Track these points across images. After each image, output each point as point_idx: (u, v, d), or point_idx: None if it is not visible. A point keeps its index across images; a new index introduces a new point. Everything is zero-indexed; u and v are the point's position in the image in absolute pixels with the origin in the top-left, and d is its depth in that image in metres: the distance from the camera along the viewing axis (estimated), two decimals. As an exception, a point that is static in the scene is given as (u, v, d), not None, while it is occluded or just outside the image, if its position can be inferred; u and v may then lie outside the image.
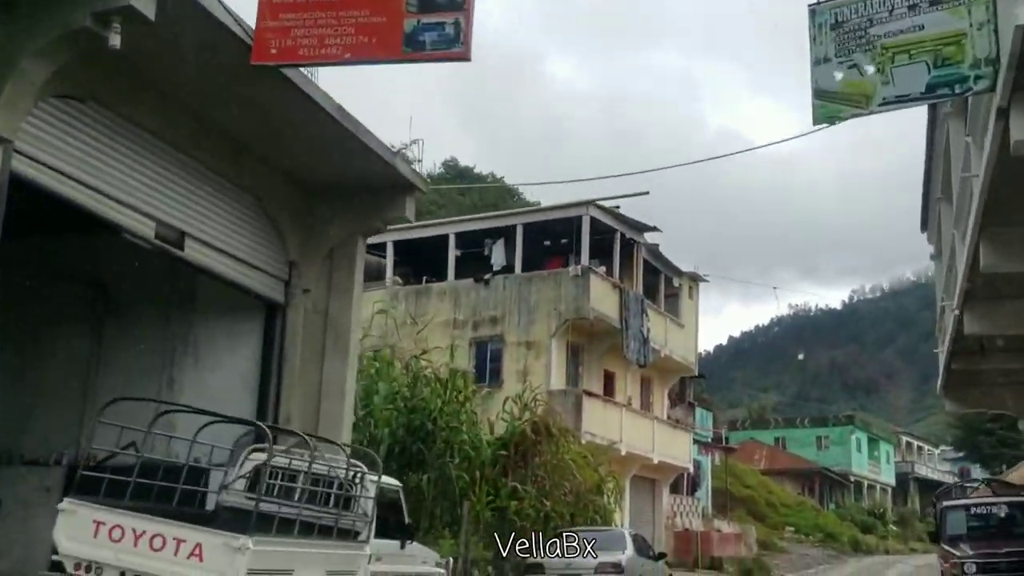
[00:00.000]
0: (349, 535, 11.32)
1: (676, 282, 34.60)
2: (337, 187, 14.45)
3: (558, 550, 19.00)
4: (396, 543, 12.78)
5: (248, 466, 10.74)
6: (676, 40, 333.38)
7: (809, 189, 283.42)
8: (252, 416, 15.30)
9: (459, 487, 19.94)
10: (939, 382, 23.64)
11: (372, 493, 11.68)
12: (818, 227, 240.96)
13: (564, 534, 19.99)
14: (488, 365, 28.75)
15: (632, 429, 30.25)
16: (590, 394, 28.12)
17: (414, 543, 14.19)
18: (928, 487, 74.43)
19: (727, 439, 56.46)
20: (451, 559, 17.93)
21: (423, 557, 13.77)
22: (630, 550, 18.77)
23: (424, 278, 31.10)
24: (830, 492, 60.05)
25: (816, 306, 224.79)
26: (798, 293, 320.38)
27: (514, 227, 29.46)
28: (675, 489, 37.41)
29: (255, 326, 15.70)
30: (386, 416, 19.90)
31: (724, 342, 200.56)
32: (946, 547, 19.17)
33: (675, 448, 33.76)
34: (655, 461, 31.83)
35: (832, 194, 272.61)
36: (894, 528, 57.72)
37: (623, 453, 29.45)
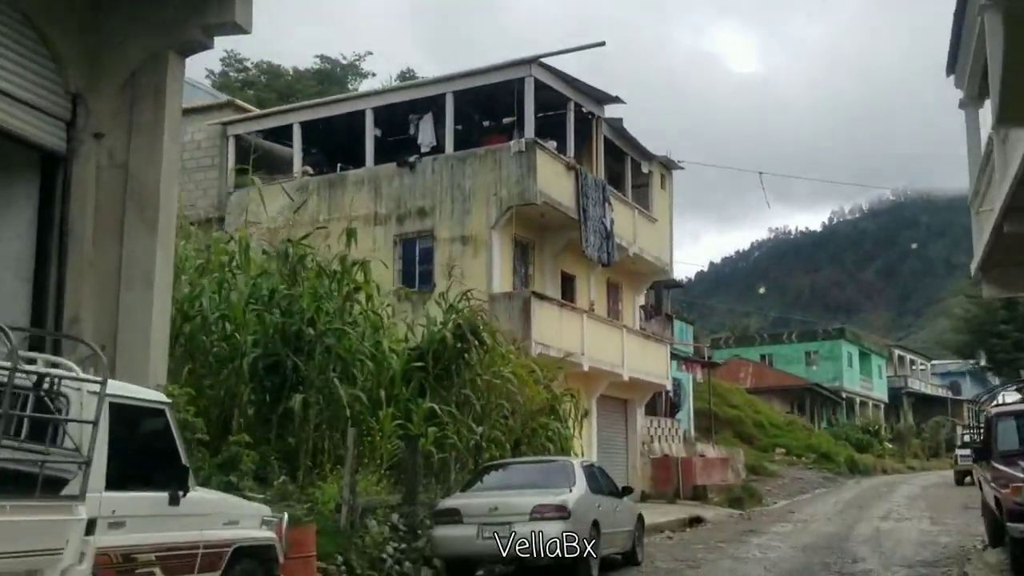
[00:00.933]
0: (54, 487, 6.67)
1: (646, 168, 29.14)
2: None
3: (483, 489, 13.97)
4: (160, 496, 7.59)
5: None
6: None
7: (782, 111, 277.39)
8: (27, 313, 10.81)
9: (353, 412, 14.79)
10: (975, 263, 18.48)
11: (95, 411, 6.67)
12: (794, 149, 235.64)
13: (489, 468, 14.93)
14: (417, 267, 23.44)
15: (596, 340, 25.08)
16: (541, 297, 22.84)
17: (214, 495, 8.96)
18: (922, 402, 70.33)
19: (710, 357, 51.70)
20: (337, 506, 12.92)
21: (231, 514, 8.56)
22: (580, 487, 13.63)
23: (339, 166, 25.58)
24: (821, 410, 55.58)
25: (796, 228, 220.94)
26: (779, 217, 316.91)
27: (443, 97, 23.82)
28: (652, 410, 32.48)
29: (27, 187, 11.22)
30: (251, 320, 14.59)
31: (705, 269, 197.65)
32: (1000, 466, 14.26)
33: (650, 363, 28.66)
34: (625, 378, 26.75)
35: (806, 115, 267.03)
36: (890, 446, 53.38)
37: (585, 368, 24.34)
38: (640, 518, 16.17)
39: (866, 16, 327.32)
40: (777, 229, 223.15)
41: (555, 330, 22.96)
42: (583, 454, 20.35)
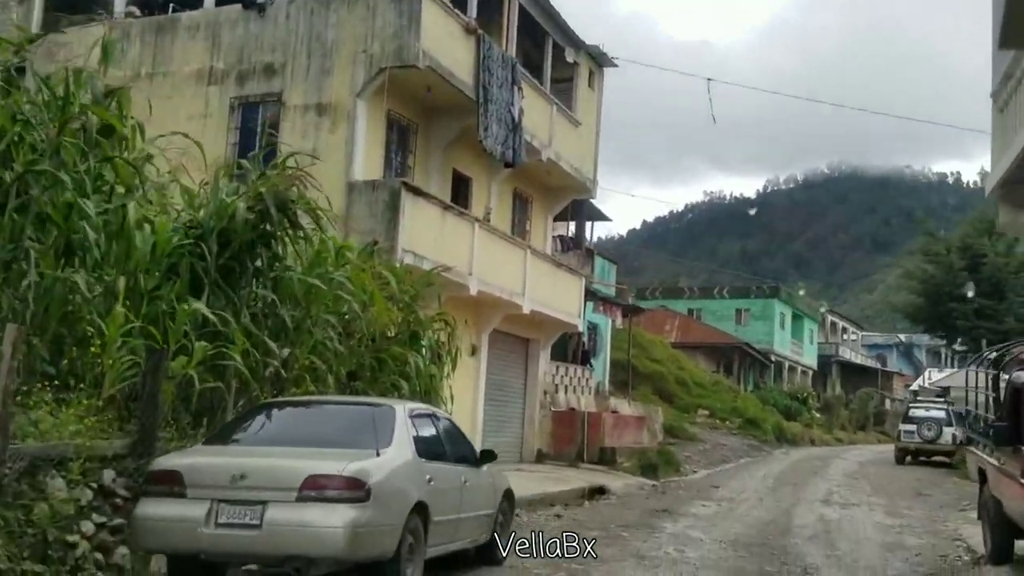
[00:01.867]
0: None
1: (571, 57, 23.47)
2: None
3: (237, 442, 8.53)
4: None
5: None
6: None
7: (720, 77, 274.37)
8: None
9: (67, 310, 9.22)
10: (993, 178, 13.52)
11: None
12: (730, 116, 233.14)
13: (261, 409, 9.45)
14: (258, 140, 17.61)
15: (491, 259, 19.63)
16: (416, 191, 17.17)
17: None
18: (851, 372, 66.70)
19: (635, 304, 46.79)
20: None
21: None
22: (398, 448, 8.25)
23: (171, 6, 19.49)
24: (749, 372, 51.22)
25: (731, 194, 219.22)
26: (714, 182, 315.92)
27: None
28: (561, 355, 27.31)
29: None
30: None
31: (638, 226, 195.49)
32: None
33: (559, 297, 23.33)
34: (526, 311, 21.39)
35: (745, 83, 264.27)
36: (818, 415, 49.26)
37: (473, 292, 18.88)
38: (508, 495, 10.87)
39: None
40: (712, 193, 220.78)
41: (433, 238, 17.41)
42: (452, 401, 14.91)
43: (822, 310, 65.91)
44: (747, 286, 57.57)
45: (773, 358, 53.55)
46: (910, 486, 24.43)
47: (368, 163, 17.31)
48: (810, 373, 60.92)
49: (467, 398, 20.73)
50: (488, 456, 10.40)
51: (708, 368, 45.97)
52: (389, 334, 14.18)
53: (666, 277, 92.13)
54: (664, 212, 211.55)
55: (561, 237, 31.06)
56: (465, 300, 19.33)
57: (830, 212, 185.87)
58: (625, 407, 30.12)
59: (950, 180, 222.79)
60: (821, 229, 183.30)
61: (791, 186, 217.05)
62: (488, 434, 21.94)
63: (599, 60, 24.83)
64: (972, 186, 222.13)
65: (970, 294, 35.62)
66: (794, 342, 57.67)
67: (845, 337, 70.87)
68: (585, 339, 29.55)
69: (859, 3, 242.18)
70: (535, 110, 21.54)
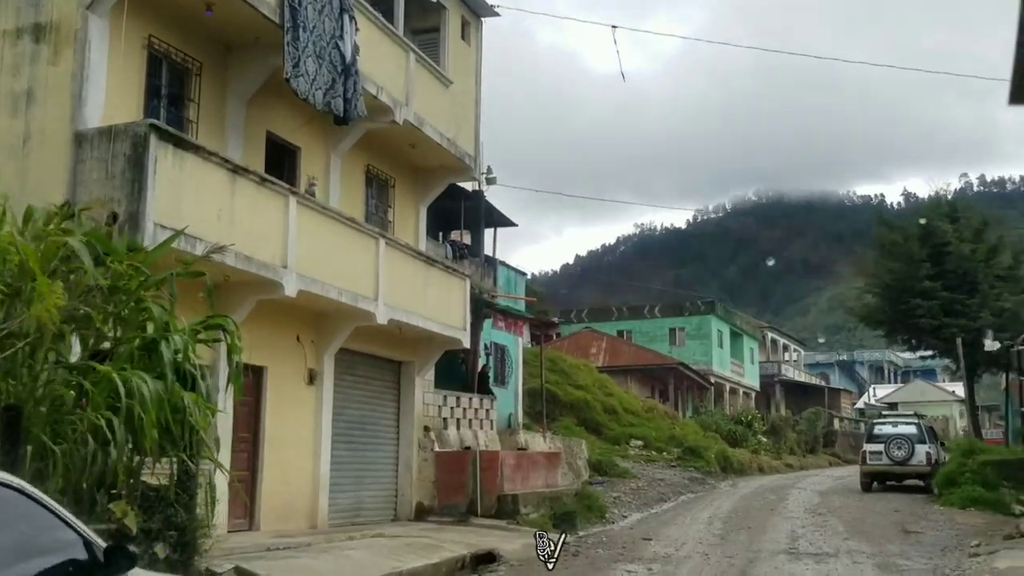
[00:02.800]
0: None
1: (434, -4, 18.26)
2: None
3: None
4: None
5: None
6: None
7: (645, 111, 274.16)
8: None
9: None
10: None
11: None
12: (655, 148, 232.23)
13: None
14: (-51, 82, 12.04)
15: (321, 248, 14.13)
16: (176, 140, 11.53)
17: None
18: (795, 391, 62.25)
19: (559, 334, 41.55)
20: None
21: None
22: None
23: None
24: (687, 396, 46.20)
25: (661, 225, 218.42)
26: (645, 214, 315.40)
27: None
28: (453, 382, 21.81)
29: None
30: None
31: (571, 261, 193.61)
32: None
33: (434, 305, 17.86)
34: (382, 320, 15.89)
35: (669, 116, 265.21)
36: (765, 440, 44.32)
37: (290, 293, 13.35)
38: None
39: (722, 25, 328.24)
40: (643, 225, 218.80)
41: (216, 212, 11.87)
42: (219, 448, 9.32)
43: (763, 327, 61.53)
44: (681, 303, 52.69)
45: (712, 379, 48.59)
46: (890, 520, 19.36)
47: (112, 109, 11.77)
48: (753, 395, 56.16)
49: (302, 442, 15.14)
50: (119, 557, 4.82)
51: (641, 393, 40.82)
52: (106, 343, 8.74)
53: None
54: (596, 246, 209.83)
55: (454, 242, 25.76)
56: (284, 306, 13.83)
57: (760, 238, 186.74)
58: (540, 442, 24.72)
59: (874, 202, 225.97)
60: (752, 255, 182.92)
61: (720, 214, 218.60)
62: (342, 488, 16.34)
63: (473, 6, 19.61)
64: (896, 207, 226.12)
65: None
66: (734, 362, 52.89)
67: (787, 356, 66.45)
68: (485, 361, 24.13)
69: (772, 31, 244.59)
70: (382, 55, 16.24)
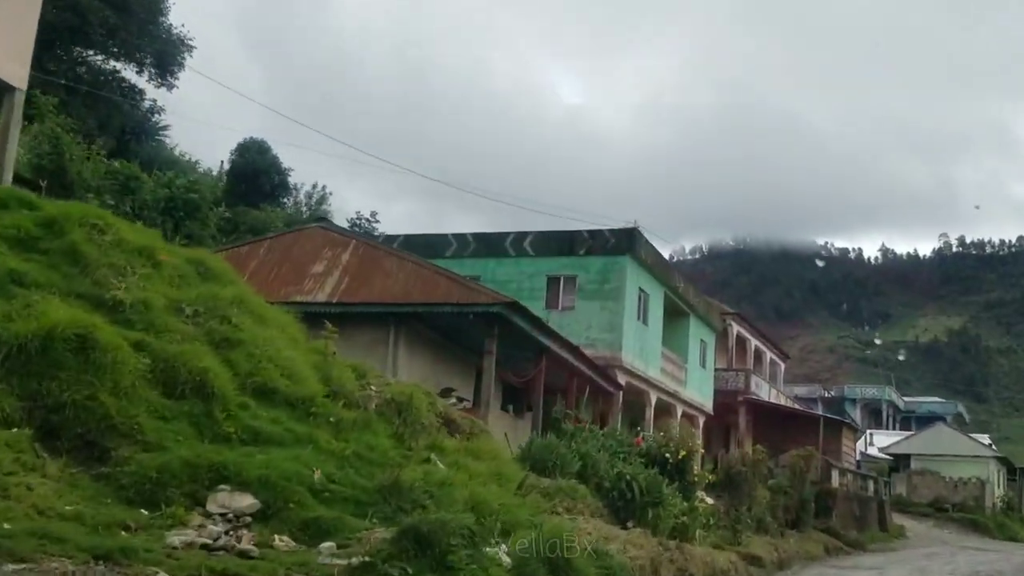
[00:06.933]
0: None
1: None
2: None
3: None
4: None
5: None
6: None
7: (603, 151, 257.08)
8: None
9: None
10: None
11: None
12: (617, 189, 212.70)
13: None
14: None
15: None
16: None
17: None
18: (770, 420, 37.84)
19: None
20: None
21: None
22: None
23: None
24: (556, 398, 22.10)
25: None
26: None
27: None
28: None
29: None
30: None
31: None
32: None
33: None
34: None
35: (626, 158, 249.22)
36: (707, 502, 19.80)
37: None
38: None
39: (685, 69, 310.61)
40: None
41: None
42: None
43: (727, 314, 37.46)
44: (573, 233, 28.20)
45: (623, 380, 24.35)
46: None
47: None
48: (700, 419, 32.02)
49: None
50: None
51: (432, 378, 16.67)
52: None
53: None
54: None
55: None
56: None
57: (735, 282, 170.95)
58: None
59: (852, 255, 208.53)
60: (726, 299, 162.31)
61: (696, 256, 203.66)
62: None
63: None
64: (873, 262, 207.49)
65: None
66: (671, 357, 28.71)
67: (761, 369, 42.53)
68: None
69: (736, 81, 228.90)
70: None
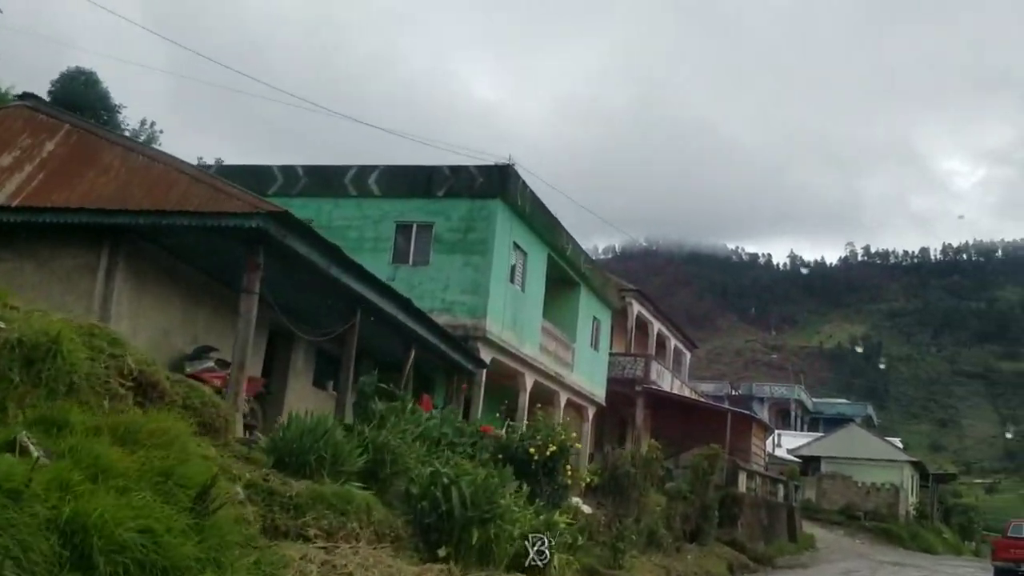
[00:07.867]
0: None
1: None
2: None
3: None
4: None
5: None
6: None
7: (514, 142, 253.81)
8: None
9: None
10: None
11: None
12: (541, 186, 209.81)
13: None
14: None
15: None
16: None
17: None
18: (671, 413, 33.04)
19: None
20: None
21: None
22: None
23: None
24: (399, 375, 16.89)
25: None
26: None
27: None
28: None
29: None
30: None
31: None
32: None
33: None
34: None
35: (545, 154, 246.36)
36: (585, 510, 14.63)
37: None
38: None
39: (604, 69, 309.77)
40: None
41: None
42: None
43: (626, 291, 32.62)
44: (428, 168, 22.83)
45: (488, 357, 19.12)
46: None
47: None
48: (589, 411, 27.06)
49: None
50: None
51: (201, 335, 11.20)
52: None
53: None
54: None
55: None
56: None
57: (646, 284, 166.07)
58: None
59: (761, 261, 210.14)
60: None
61: (609, 256, 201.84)
62: None
63: None
64: (782, 268, 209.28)
65: None
66: (552, 332, 23.64)
67: (665, 357, 37.94)
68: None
69: (654, 81, 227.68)
70: None
